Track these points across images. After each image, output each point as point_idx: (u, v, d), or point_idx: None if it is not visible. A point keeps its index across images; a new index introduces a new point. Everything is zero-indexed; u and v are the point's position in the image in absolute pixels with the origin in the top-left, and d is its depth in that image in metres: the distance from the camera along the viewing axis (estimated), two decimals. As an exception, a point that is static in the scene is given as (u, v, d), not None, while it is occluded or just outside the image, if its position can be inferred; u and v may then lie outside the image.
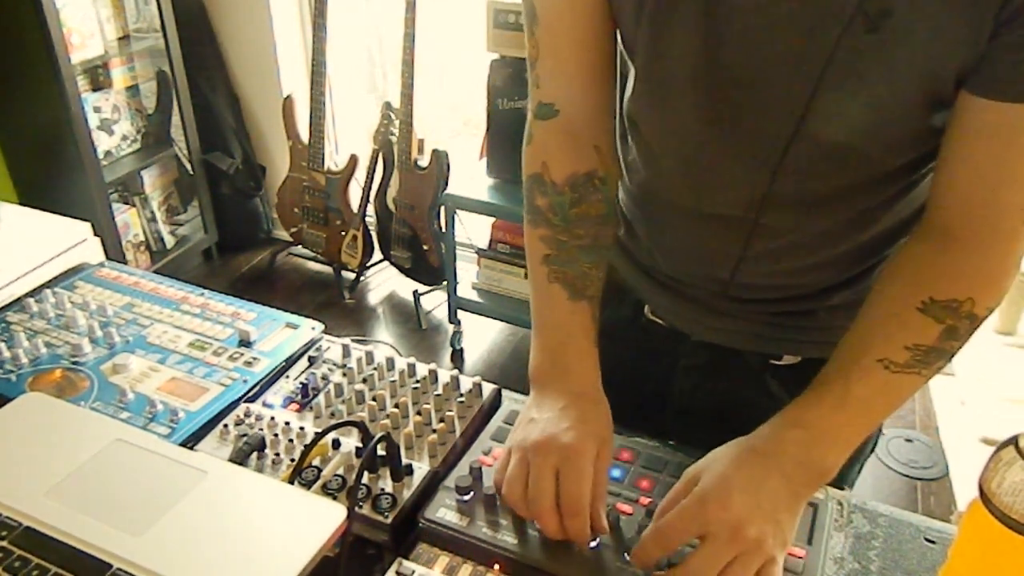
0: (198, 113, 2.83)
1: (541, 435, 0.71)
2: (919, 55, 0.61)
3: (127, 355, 0.92)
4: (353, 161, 2.70)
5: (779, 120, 0.69)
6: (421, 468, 0.77)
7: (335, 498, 0.74)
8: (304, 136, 2.72)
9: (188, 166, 2.93)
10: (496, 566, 0.69)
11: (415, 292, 2.82)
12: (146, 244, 2.91)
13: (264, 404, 0.86)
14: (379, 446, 0.75)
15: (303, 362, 0.93)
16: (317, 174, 2.74)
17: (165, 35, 2.63)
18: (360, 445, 0.78)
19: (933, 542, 0.75)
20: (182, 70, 2.72)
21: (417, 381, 0.89)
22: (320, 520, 0.68)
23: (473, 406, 0.85)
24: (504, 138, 2.30)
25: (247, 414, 0.84)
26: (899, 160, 0.71)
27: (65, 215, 1.80)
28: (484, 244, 2.60)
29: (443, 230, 2.51)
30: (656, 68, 0.72)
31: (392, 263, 2.81)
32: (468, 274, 2.65)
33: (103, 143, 2.64)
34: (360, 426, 0.76)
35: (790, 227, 0.78)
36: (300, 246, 2.95)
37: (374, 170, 2.68)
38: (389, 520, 0.72)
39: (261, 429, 0.82)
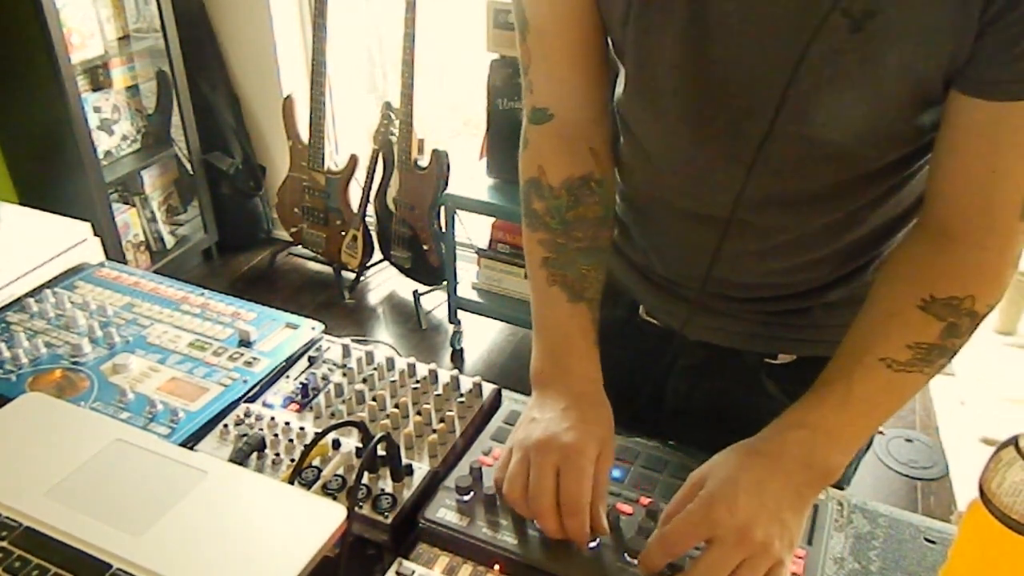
0: (198, 113, 2.83)
1: (543, 434, 0.71)
2: (905, 55, 0.61)
3: (127, 355, 0.92)
4: (353, 161, 2.70)
5: (760, 119, 0.69)
6: (421, 468, 0.77)
7: (335, 498, 0.74)
8: (304, 136, 2.72)
9: (188, 166, 2.93)
10: (496, 566, 0.69)
11: (415, 292, 2.82)
12: (146, 244, 2.91)
13: (264, 404, 0.86)
14: (379, 446, 0.75)
15: (303, 362, 0.93)
16: (317, 174, 2.74)
17: (165, 35, 2.63)
18: (360, 445, 0.78)
19: (933, 542, 0.75)
20: (182, 70, 2.72)
21: (417, 381, 0.89)
22: (320, 520, 0.68)
23: (473, 406, 0.85)
24: (504, 138, 2.30)
25: (247, 414, 0.84)
26: (886, 158, 0.72)
27: (65, 215, 1.81)
28: (484, 244, 2.60)
29: (443, 230, 2.51)
30: (644, 70, 0.73)
31: (392, 263, 2.81)
32: (468, 274, 2.65)
33: (103, 143, 2.64)
34: (360, 426, 0.76)
35: (776, 226, 0.78)
36: (300, 246, 2.94)
37: (374, 170, 2.68)
38: (389, 520, 0.72)
39: (261, 429, 0.82)
